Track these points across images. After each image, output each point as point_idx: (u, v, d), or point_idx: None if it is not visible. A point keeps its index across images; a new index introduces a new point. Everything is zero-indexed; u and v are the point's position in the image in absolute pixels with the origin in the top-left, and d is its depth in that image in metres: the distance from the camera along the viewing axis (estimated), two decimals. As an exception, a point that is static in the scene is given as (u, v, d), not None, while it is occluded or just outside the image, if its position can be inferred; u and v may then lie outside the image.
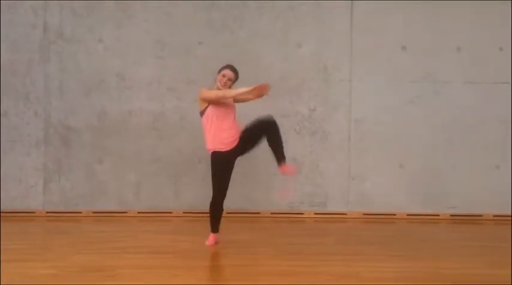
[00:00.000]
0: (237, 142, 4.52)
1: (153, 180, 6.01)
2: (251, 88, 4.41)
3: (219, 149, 4.50)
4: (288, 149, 5.87)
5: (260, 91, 4.50)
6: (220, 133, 4.49)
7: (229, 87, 4.57)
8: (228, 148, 4.50)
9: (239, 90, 4.46)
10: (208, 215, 4.66)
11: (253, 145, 4.57)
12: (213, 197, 4.57)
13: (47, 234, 5.38)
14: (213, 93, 4.49)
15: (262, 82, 4.51)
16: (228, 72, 4.56)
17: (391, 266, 4.13)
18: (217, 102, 4.49)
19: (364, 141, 6.03)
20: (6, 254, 4.25)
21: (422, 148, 6.02)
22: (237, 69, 4.64)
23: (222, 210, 4.65)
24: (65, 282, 3.67)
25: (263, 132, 4.49)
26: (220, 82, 4.53)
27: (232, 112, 4.58)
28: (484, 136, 6.00)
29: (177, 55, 5.99)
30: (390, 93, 6.01)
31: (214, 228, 4.70)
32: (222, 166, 4.51)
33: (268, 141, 4.51)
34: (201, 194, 5.91)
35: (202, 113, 4.55)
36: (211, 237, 4.70)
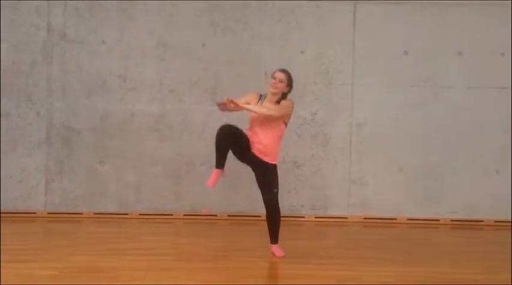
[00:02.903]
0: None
1: (154, 182, 6.01)
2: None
3: None
4: (289, 153, 5.97)
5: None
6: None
7: (282, 89, 4.42)
8: None
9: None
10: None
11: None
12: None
13: (47, 235, 5.39)
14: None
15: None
16: (278, 74, 4.43)
17: (392, 270, 4.13)
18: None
19: (365, 145, 6.04)
20: (6, 254, 4.26)
21: (423, 152, 6.02)
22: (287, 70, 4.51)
23: (229, 141, 4.31)
24: (65, 283, 3.68)
25: (264, 204, 4.46)
26: (271, 84, 4.41)
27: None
28: (484, 141, 6.00)
29: (179, 57, 6.00)
30: (391, 97, 6.01)
31: (218, 162, 4.34)
32: None
33: (266, 217, 4.49)
34: (202, 197, 5.93)
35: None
36: (214, 173, 4.36)
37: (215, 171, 4.35)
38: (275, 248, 4.52)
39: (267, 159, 4.41)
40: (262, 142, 4.38)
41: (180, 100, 6.00)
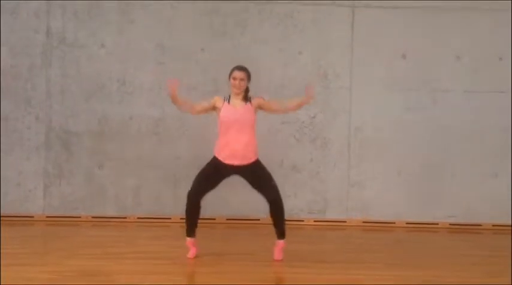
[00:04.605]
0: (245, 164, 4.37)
1: (153, 185, 6.01)
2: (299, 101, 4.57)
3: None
4: (287, 157, 5.97)
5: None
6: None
7: (245, 86, 4.43)
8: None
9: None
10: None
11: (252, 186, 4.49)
12: (188, 193, 4.44)
13: (46, 238, 5.38)
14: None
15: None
16: (238, 73, 4.42)
17: (390, 274, 4.13)
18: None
19: (364, 149, 6.04)
20: (5, 258, 4.25)
21: (422, 156, 6.03)
22: (243, 66, 4.51)
23: (198, 209, 4.44)
24: (63, 287, 3.68)
25: (267, 200, 4.42)
26: (235, 86, 4.41)
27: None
28: (483, 145, 6.01)
29: (178, 61, 6.00)
30: (390, 101, 6.02)
31: (189, 231, 4.48)
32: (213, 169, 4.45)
33: (270, 213, 4.45)
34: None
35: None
36: (188, 244, 4.48)
37: (189, 241, 4.47)
38: (280, 245, 4.47)
39: (251, 159, 4.40)
40: (246, 144, 4.37)
41: (179, 104, 6.00)
